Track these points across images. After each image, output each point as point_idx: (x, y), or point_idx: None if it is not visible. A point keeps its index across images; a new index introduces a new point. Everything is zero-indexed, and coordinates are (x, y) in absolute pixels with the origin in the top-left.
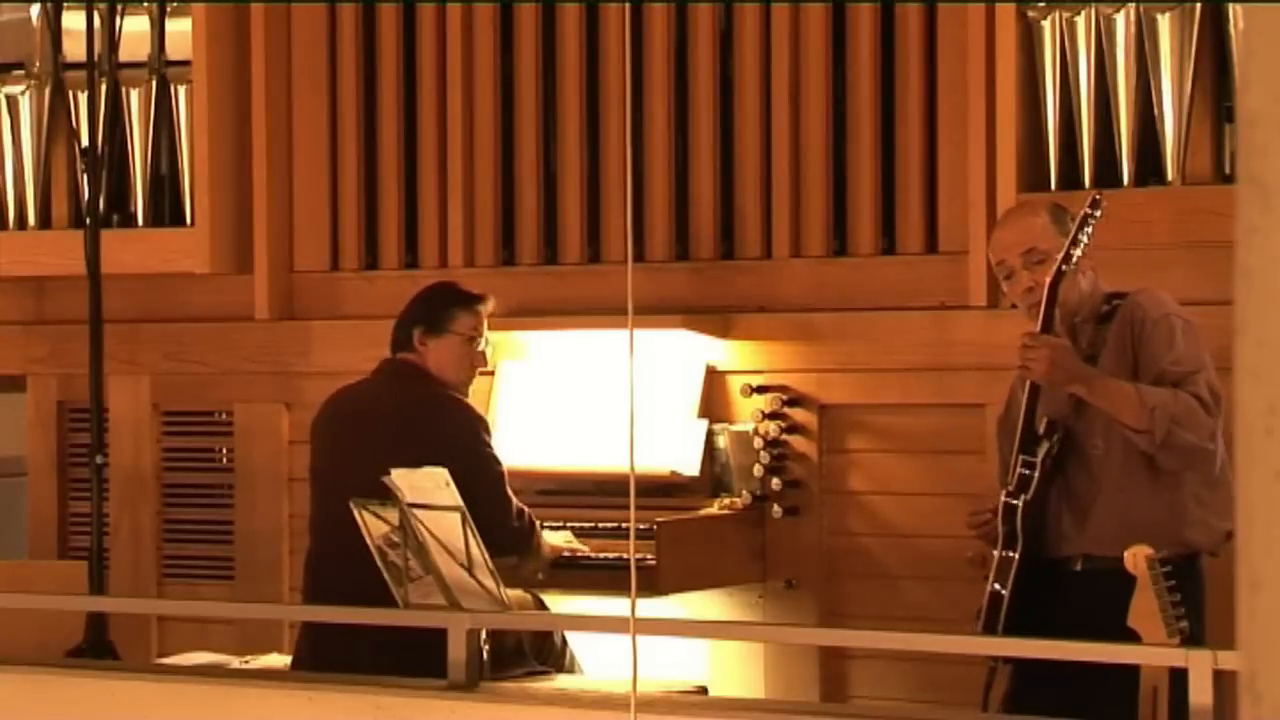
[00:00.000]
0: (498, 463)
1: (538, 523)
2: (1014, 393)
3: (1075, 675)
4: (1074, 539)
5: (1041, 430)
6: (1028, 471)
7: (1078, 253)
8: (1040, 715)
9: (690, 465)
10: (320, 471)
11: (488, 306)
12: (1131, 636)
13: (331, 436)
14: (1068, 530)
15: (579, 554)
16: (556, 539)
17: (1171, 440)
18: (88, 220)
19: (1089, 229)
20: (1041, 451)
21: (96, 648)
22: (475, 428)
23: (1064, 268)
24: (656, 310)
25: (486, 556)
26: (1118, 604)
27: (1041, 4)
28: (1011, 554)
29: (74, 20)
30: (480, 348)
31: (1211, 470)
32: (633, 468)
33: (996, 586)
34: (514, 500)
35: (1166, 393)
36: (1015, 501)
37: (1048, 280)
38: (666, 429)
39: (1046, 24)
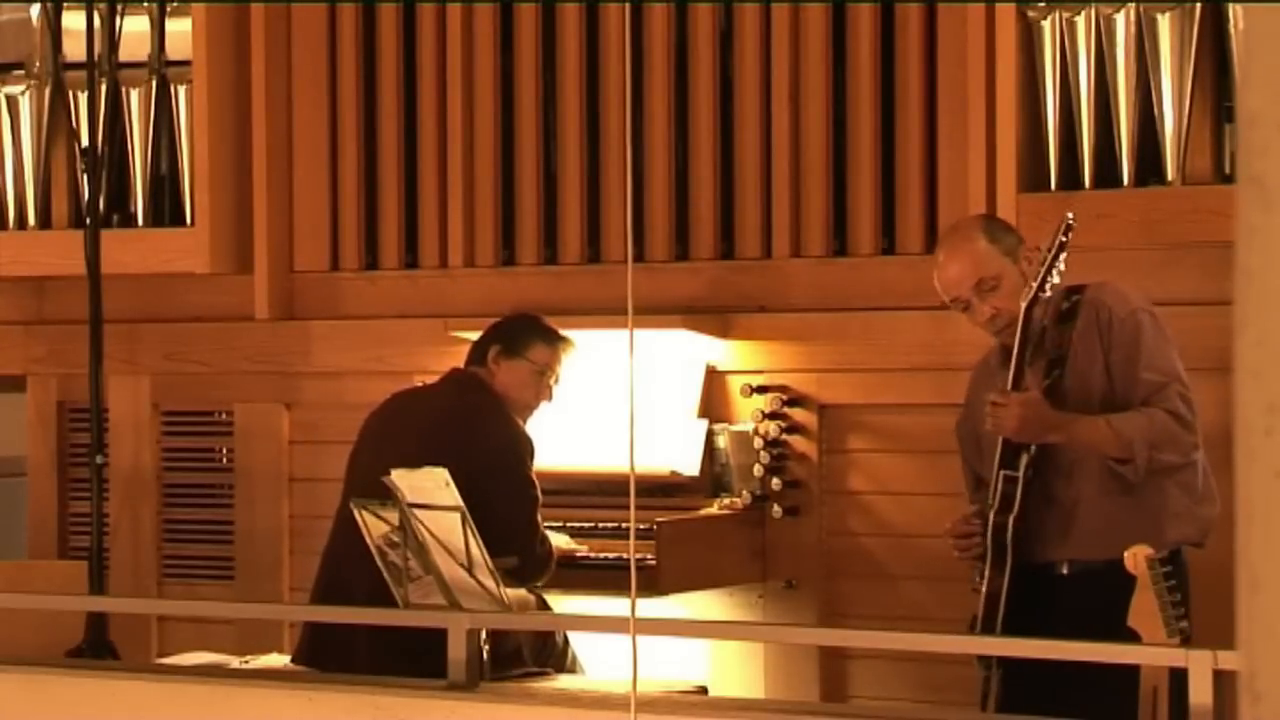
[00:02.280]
0: (535, 487)
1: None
2: (973, 391)
3: (1064, 682)
4: (1058, 546)
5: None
6: (1010, 488)
7: (1054, 279)
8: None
9: (690, 465)
10: (360, 465)
11: (567, 348)
12: (1131, 636)
13: (380, 435)
14: (1052, 537)
15: (578, 555)
16: (558, 541)
17: (1154, 465)
18: (88, 220)
19: (1064, 255)
20: (1023, 463)
21: (96, 648)
22: (520, 448)
23: (1040, 294)
24: (656, 310)
25: (486, 556)
26: (1105, 605)
27: (1041, 4)
28: (1001, 572)
29: (74, 20)
30: (550, 382)
31: (1195, 472)
32: (633, 468)
33: (990, 601)
34: (541, 526)
35: (1141, 418)
36: (1003, 519)
37: (1023, 306)
38: (666, 429)
39: (1046, 24)
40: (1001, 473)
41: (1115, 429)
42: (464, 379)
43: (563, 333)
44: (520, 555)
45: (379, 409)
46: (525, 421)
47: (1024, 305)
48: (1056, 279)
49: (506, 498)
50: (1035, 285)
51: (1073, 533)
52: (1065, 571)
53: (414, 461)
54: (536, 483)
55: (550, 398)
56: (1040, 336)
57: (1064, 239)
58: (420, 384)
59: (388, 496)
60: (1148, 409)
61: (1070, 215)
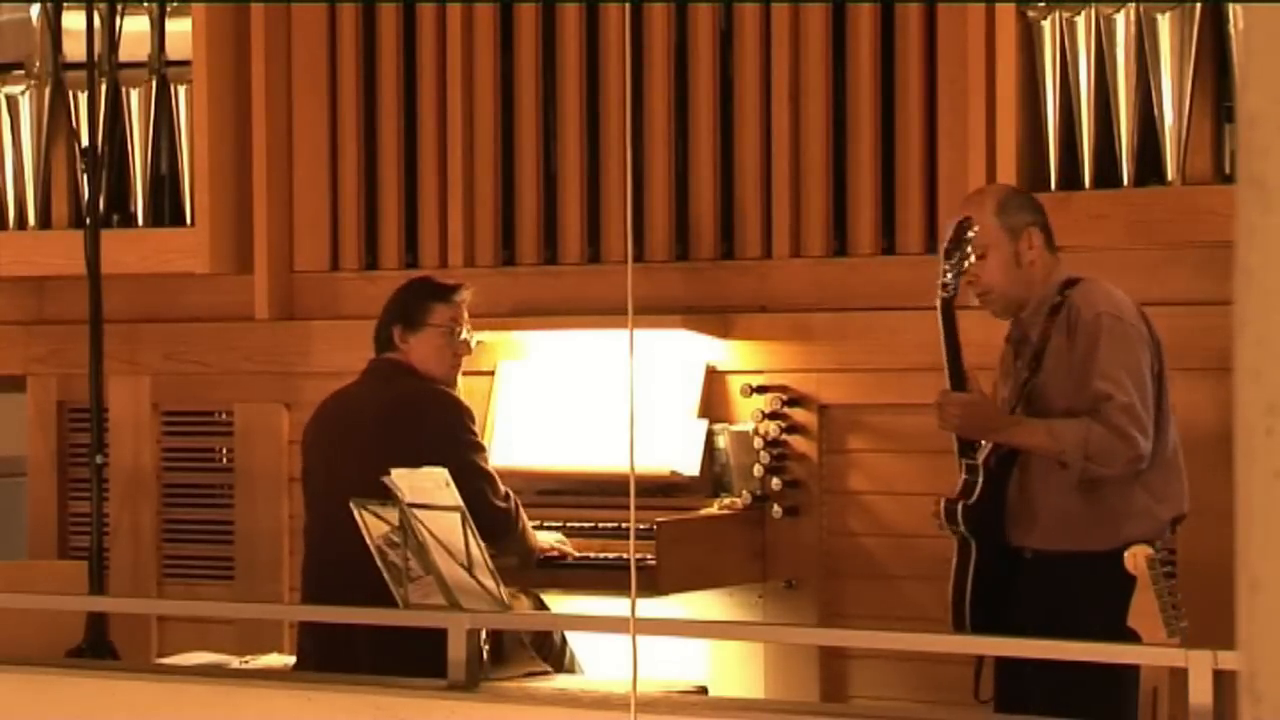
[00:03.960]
0: (482, 447)
1: (522, 507)
2: (1000, 364)
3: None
4: (1024, 532)
5: None
6: (972, 476)
7: (949, 279)
8: (1024, 691)
9: (690, 465)
10: (312, 477)
11: (463, 296)
12: (1131, 636)
13: (322, 442)
14: (1019, 522)
15: (567, 555)
16: (549, 538)
17: (1087, 474)
18: (88, 220)
19: (963, 252)
20: (981, 454)
21: (96, 648)
22: (459, 416)
23: (942, 294)
24: (656, 310)
25: (487, 556)
26: (1065, 594)
27: (1041, 4)
28: (966, 553)
29: (74, 20)
30: (461, 337)
31: (1161, 472)
32: (633, 468)
33: (957, 579)
34: (500, 482)
35: (1080, 428)
36: (967, 502)
37: (937, 305)
38: (666, 429)
39: (1046, 24)
40: (963, 460)
41: (1054, 435)
42: (383, 368)
43: (450, 281)
44: (486, 513)
45: (312, 419)
46: (454, 385)
47: (939, 305)
48: (949, 277)
49: (458, 468)
50: (939, 285)
51: (1035, 521)
52: (1029, 557)
53: (366, 471)
54: (482, 444)
55: (469, 350)
56: (1027, 329)
57: (958, 237)
58: (345, 384)
59: (386, 497)
60: (1090, 420)
61: (968, 216)
